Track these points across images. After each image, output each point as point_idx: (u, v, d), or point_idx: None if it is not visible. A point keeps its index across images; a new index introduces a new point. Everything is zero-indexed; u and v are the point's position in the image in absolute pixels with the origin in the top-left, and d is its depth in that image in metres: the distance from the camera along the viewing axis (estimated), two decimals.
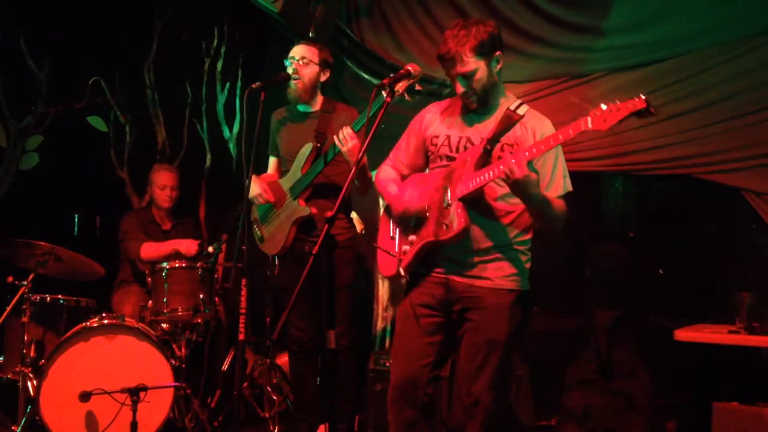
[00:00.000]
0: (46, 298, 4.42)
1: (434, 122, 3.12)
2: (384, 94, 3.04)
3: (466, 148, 2.96)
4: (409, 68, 3.00)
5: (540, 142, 2.71)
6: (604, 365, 4.35)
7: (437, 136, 3.06)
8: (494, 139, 2.83)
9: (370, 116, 2.99)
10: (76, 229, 5.91)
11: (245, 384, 4.78)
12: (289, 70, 4.04)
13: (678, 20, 4.22)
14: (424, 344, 3.00)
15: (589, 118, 2.57)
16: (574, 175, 4.64)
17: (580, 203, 4.75)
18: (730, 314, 3.77)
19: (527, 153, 2.68)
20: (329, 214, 2.72)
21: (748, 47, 4.05)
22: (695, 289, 4.34)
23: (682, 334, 3.65)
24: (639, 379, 4.24)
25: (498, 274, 2.94)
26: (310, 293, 3.95)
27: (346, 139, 3.71)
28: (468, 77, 2.90)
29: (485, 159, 2.84)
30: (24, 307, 4.18)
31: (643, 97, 2.49)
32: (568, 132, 2.61)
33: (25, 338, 4.19)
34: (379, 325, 4.92)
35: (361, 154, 2.99)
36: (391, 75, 3.10)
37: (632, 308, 4.51)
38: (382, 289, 4.94)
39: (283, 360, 4.83)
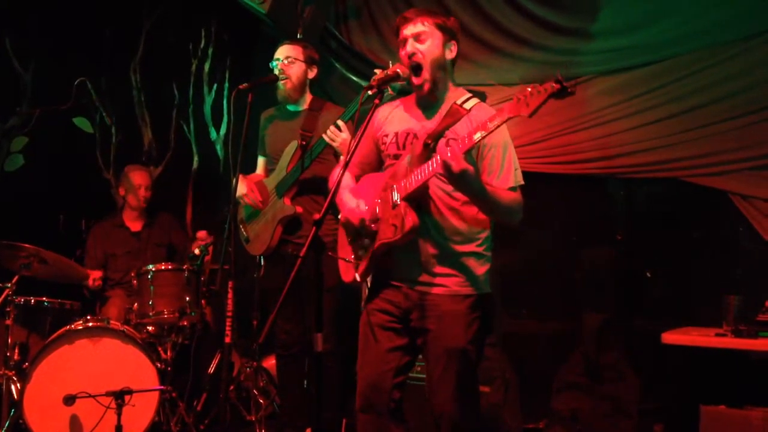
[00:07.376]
0: (31, 300, 4.39)
1: (384, 121, 3.06)
2: (371, 93, 3.01)
3: (413, 144, 2.89)
4: (398, 70, 2.96)
5: (471, 132, 2.63)
6: (591, 368, 4.36)
7: (386, 135, 3.02)
8: (436, 134, 2.77)
9: (357, 118, 2.96)
10: (61, 231, 5.86)
11: (231, 387, 4.74)
12: (276, 72, 4.02)
13: (667, 23, 4.23)
14: (385, 350, 2.94)
15: (507, 105, 2.51)
16: (561, 179, 4.65)
17: (569, 206, 4.79)
18: (717, 317, 3.77)
19: (461, 144, 2.62)
20: (317, 216, 2.63)
21: (737, 51, 4.06)
22: (683, 292, 4.35)
23: (670, 337, 3.66)
24: (627, 382, 4.24)
25: (452, 280, 2.87)
26: (296, 296, 3.93)
27: (334, 136, 3.73)
28: (419, 39, 2.88)
29: (427, 154, 2.76)
30: (8, 309, 4.16)
31: (556, 80, 2.41)
32: (495, 119, 2.54)
33: (9, 341, 4.16)
34: None
35: (349, 156, 2.94)
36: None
37: (620, 311, 4.52)
38: None
39: (269, 363, 4.80)
